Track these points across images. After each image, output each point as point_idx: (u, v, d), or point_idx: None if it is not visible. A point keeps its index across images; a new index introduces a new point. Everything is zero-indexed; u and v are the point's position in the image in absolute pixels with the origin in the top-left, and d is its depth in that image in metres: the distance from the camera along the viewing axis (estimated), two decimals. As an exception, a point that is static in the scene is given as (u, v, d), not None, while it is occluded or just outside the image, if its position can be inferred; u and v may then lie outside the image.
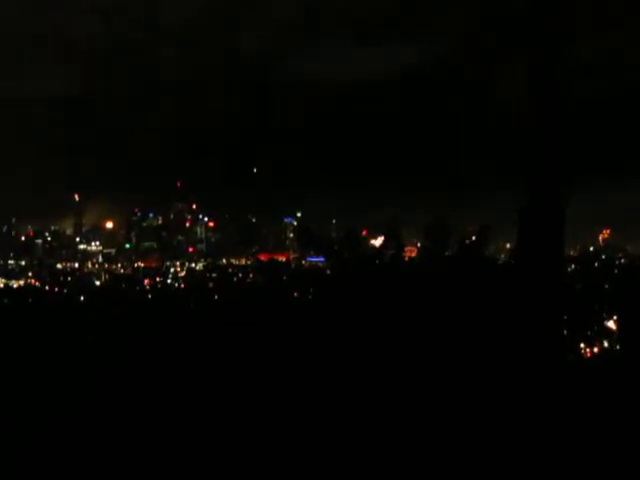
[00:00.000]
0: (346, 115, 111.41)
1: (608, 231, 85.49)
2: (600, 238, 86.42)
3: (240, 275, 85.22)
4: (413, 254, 55.88)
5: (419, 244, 60.66)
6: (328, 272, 54.40)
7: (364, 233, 71.01)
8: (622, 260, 76.48)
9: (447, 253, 27.42)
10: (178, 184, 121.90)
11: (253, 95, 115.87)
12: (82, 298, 61.17)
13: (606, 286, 60.14)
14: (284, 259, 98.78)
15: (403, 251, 33.47)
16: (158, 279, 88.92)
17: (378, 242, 58.80)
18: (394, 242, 30.01)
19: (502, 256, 63.40)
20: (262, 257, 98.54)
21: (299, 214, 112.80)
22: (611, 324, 32.96)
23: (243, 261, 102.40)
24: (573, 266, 64.12)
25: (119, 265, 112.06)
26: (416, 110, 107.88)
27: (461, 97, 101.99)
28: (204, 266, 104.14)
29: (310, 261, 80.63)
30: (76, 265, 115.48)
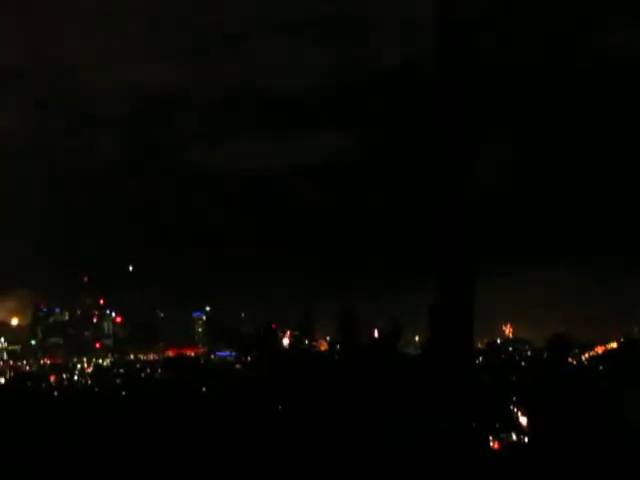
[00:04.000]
0: (258, 207, 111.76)
1: (509, 326, 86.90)
2: (506, 330, 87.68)
3: (148, 370, 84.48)
4: (324, 347, 56.34)
5: (328, 338, 61.06)
6: (237, 367, 54.41)
7: (274, 327, 71.19)
8: (528, 352, 77.72)
9: (360, 346, 27.74)
10: (85, 278, 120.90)
11: (170, 186, 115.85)
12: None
13: (513, 378, 61.09)
14: (193, 354, 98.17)
15: (315, 346, 33.84)
16: (65, 375, 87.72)
17: (287, 338, 58.98)
18: (306, 337, 30.21)
19: (411, 348, 64.08)
20: (171, 352, 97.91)
21: (208, 308, 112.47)
22: (520, 416, 33.52)
23: (151, 356, 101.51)
24: (481, 358, 65.01)
25: (24, 362, 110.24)
26: (330, 202, 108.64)
27: (378, 192, 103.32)
28: (111, 362, 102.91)
29: (219, 356, 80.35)
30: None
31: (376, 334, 52.36)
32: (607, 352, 74.85)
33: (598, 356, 73.84)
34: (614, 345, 76.17)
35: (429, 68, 24.85)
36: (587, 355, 73.32)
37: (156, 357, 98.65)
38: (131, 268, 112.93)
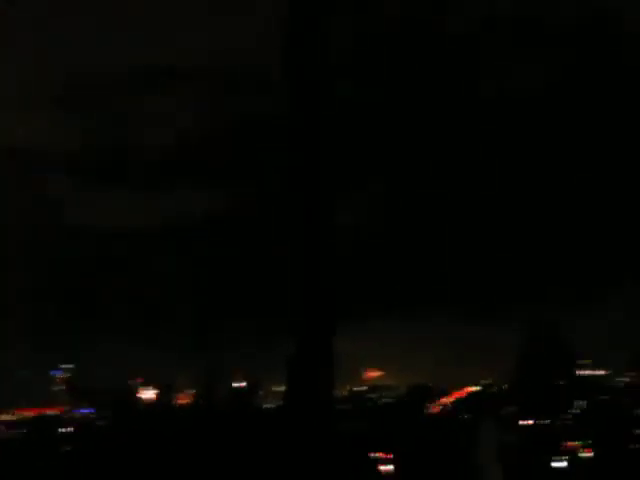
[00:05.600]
0: (110, 264, 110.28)
1: (371, 373, 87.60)
2: (369, 377, 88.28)
3: (4, 431, 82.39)
4: (185, 401, 55.65)
5: (191, 391, 60.35)
6: (98, 424, 53.35)
7: (138, 380, 69.94)
8: (390, 399, 78.49)
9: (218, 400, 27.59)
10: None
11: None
12: None
13: (373, 423, 61.45)
14: (57, 412, 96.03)
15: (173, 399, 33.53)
16: None
17: (151, 392, 58.13)
18: (166, 390, 29.84)
19: (269, 401, 64.02)
20: (29, 411, 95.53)
21: (69, 365, 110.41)
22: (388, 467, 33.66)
23: (7, 417, 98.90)
24: (343, 407, 65.35)
25: None
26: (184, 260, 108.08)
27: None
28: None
29: (81, 413, 78.84)
30: None
31: (235, 385, 52.40)
32: (469, 395, 76.24)
33: (460, 400, 75.14)
34: (475, 388, 77.65)
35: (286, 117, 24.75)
36: (447, 400, 74.57)
37: (12, 417, 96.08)
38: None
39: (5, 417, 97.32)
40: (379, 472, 35.72)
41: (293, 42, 23.18)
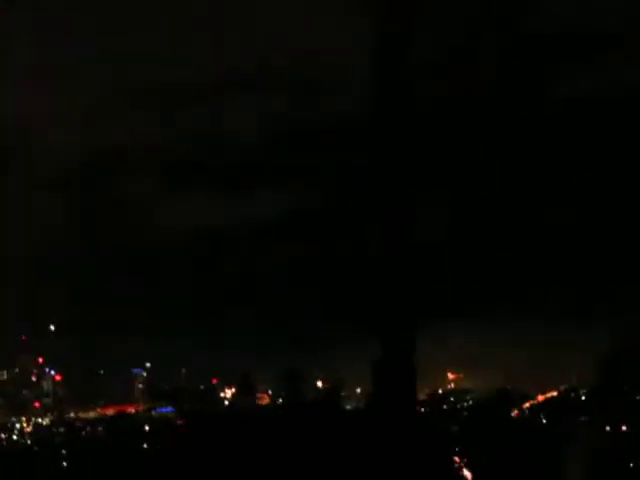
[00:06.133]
0: (202, 260, 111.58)
1: (452, 376, 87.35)
2: (449, 381, 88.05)
3: (88, 429, 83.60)
4: (265, 401, 56.05)
5: (270, 391, 60.80)
6: (178, 422, 53.95)
7: (214, 381, 70.73)
8: (470, 402, 78.11)
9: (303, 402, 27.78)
10: (23, 337, 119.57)
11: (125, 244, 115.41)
12: None
13: (455, 428, 61.28)
14: (133, 410, 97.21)
15: (257, 400, 33.77)
16: (3, 435, 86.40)
17: (230, 392, 58.69)
18: (248, 391, 30.10)
19: (353, 402, 64.13)
20: (111, 410, 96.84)
21: (147, 364, 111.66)
22: (464, 469, 33.61)
23: (91, 414, 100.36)
24: (423, 409, 65.20)
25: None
26: (266, 260, 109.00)
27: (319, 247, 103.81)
28: (51, 421, 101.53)
29: (159, 412, 79.66)
30: None
31: (319, 385, 52.57)
32: (547, 400, 75.62)
33: (539, 404, 74.53)
34: (554, 393, 76.95)
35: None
36: (528, 404, 73.95)
37: (96, 415, 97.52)
38: (53, 327, 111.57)
39: (87, 415, 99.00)
40: (462, 476, 35.64)
41: (383, 45, 23.26)
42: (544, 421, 68.14)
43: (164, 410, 77.67)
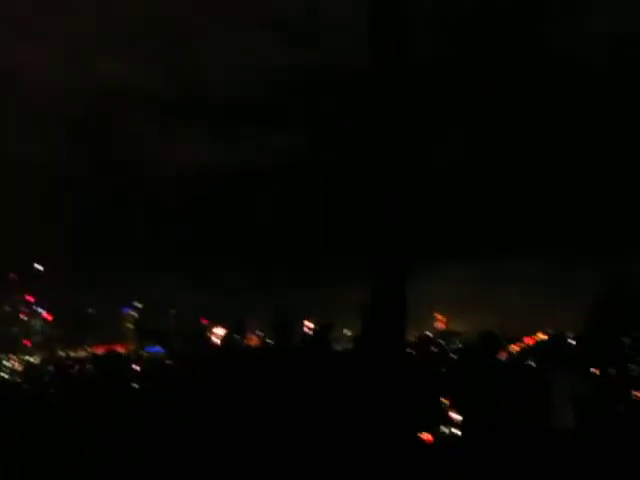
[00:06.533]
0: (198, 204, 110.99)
1: (440, 319, 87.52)
2: (437, 324, 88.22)
3: (77, 367, 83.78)
4: (255, 343, 55.97)
5: (259, 333, 60.72)
6: (167, 362, 53.91)
7: (204, 322, 70.67)
8: (459, 345, 78.35)
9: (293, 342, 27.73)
10: (12, 275, 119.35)
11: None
12: None
13: (443, 370, 61.45)
14: (123, 350, 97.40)
15: (246, 340, 33.72)
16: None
17: (220, 332, 58.61)
18: (238, 333, 30.04)
19: (343, 344, 64.26)
20: (100, 349, 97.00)
21: (137, 304, 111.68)
22: (452, 411, 33.71)
23: (80, 353, 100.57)
24: (412, 352, 65.36)
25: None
26: (254, 200, 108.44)
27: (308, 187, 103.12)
28: (41, 359, 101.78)
29: (149, 351, 79.83)
30: None
31: (307, 329, 52.60)
32: (537, 343, 75.90)
33: (529, 347, 74.83)
34: (544, 337, 77.22)
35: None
36: (517, 347, 74.25)
37: (86, 354, 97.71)
38: (41, 268, 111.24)
39: (77, 354, 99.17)
40: (450, 418, 35.78)
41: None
42: (533, 364, 68.42)
43: (153, 350, 77.82)
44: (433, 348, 77.10)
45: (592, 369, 63.94)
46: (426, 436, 35.72)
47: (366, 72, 24.43)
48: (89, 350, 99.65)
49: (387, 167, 24.50)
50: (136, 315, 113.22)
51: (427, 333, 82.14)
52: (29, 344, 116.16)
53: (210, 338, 60.67)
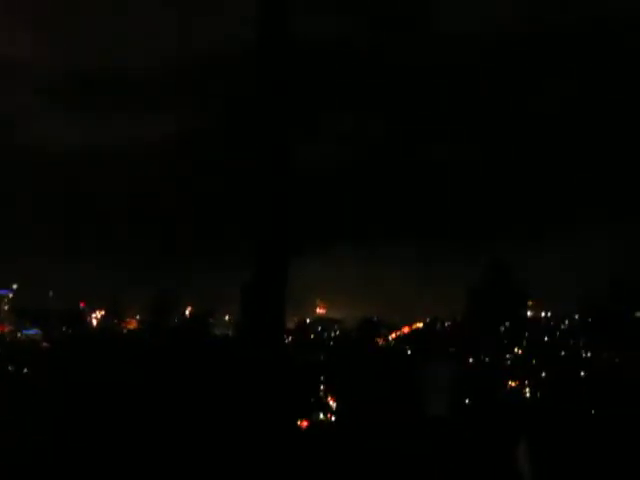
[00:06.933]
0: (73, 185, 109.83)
1: (321, 305, 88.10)
2: (317, 310, 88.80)
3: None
4: (132, 326, 55.64)
5: (138, 317, 60.30)
6: (44, 345, 53.17)
7: (82, 304, 69.87)
8: (337, 332, 79.00)
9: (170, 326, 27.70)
10: None
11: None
12: None
13: (321, 357, 61.93)
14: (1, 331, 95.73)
15: (123, 325, 33.50)
16: None
17: (98, 315, 57.94)
18: (114, 315, 29.91)
19: (222, 328, 64.24)
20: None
21: (15, 286, 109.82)
22: (328, 396, 34.09)
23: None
24: (291, 338, 65.73)
25: None
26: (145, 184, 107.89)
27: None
28: None
29: (26, 334, 78.59)
30: None
31: (188, 313, 52.55)
32: (413, 331, 77.03)
33: (405, 335, 75.87)
34: (420, 325, 78.38)
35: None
36: (394, 335, 75.25)
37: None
38: None
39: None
40: (327, 404, 36.21)
41: None
42: (408, 352, 69.36)
43: (30, 332, 76.65)
44: (312, 335, 77.63)
45: (466, 357, 65.17)
46: (301, 422, 36.07)
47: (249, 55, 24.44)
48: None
49: (270, 146, 24.50)
50: (12, 296, 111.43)
51: (306, 320, 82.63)
52: None
53: (87, 321, 60.13)
